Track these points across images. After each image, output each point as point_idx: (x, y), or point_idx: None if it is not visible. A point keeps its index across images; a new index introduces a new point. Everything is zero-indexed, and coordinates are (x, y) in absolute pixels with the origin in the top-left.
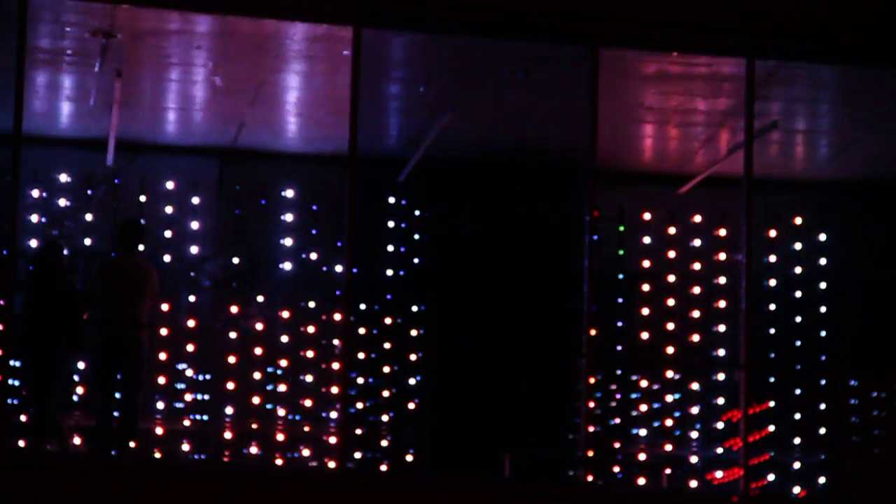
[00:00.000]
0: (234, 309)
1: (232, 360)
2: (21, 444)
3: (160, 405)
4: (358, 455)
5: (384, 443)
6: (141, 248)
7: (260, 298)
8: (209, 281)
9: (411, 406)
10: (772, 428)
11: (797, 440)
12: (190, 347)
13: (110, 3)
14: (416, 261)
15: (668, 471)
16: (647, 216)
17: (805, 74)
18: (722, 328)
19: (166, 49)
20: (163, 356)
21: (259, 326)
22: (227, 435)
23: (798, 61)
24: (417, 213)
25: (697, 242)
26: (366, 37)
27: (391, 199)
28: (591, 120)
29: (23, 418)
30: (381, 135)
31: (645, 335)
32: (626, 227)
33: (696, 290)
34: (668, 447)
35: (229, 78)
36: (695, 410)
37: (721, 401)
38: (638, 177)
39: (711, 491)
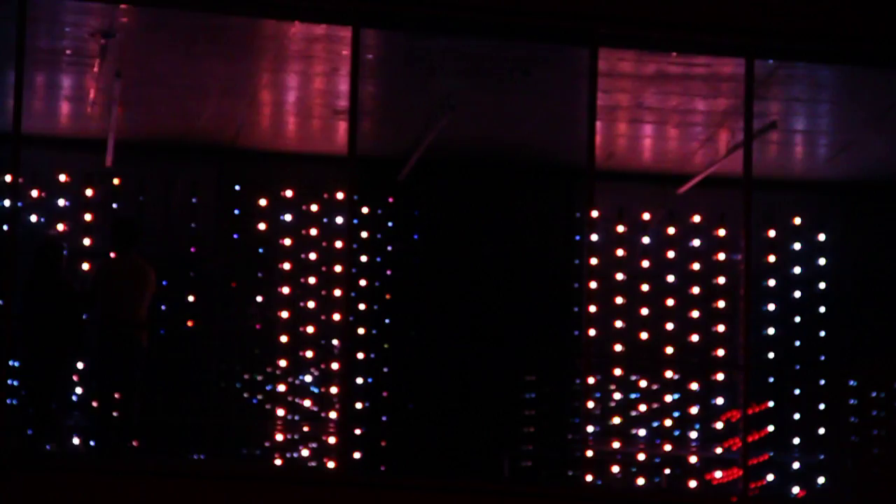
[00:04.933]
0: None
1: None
2: (21, 444)
3: (161, 405)
4: (357, 455)
5: (383, 443)
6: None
7: (260, 298)
8: (209, 281)
9: (410, 406)
10: (771, 428)
11: (797, 440)
12: (190, 347)
13: (110, 3)
14: (415, 261)
15: (667, 471)
16: (646, 216)
17: (804, 74)
18: (721, 328)
19: (166, 49)
20: (161, 356)
21: (258, 326)
22: (227, 435)
23: (797, 61)
24: (417, 213)
25: (697, 242)
26: (366, 37)
27: (391, 200)
28: (590, 120)
29: (22, 418)
30: (381, 135)
31: (645, 335)
32: (625, 227)
33: (696, 290)
34: (668, 447)
35: (229, 78)
36: (694, 410)
37: (720, 401)
38: (638, 177)
39: (711, 491)
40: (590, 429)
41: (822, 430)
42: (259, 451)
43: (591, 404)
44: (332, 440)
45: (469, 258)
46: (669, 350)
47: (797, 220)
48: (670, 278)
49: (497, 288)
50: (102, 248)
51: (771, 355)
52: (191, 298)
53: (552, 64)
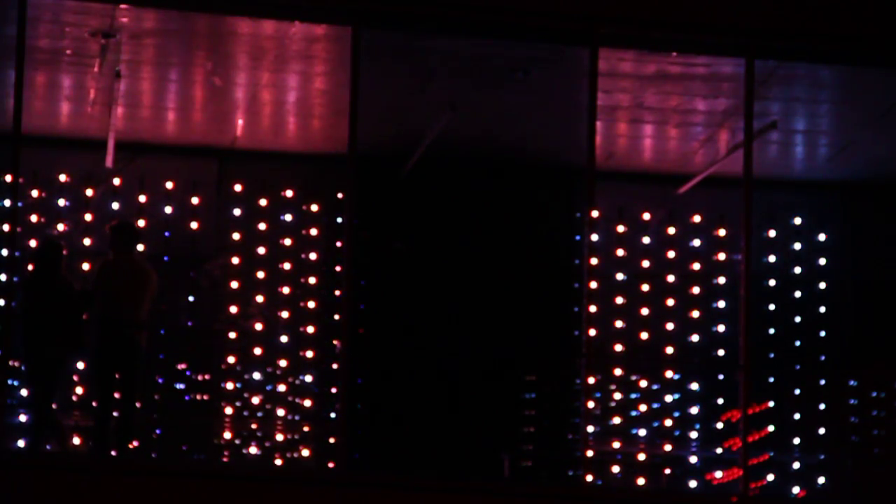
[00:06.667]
0: (233, 309)
1: (231, 360)
2: (21, 444)
3: (160, 405)
4: (358, 455)
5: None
6: (140, 248)
7: (260, 298)
8: (209, 281)
9: (410, 406)
10: (771, 428)
11: (797, 440)
12: (189, 347)
13: (110, 3)
14: (415, 260)
15: (667, 471)
16: (646, 216)
17: (804, 74)
18: (722, 328)
19: (166, 49)
20: (161, 356)
21: (259, 326)
22: (227, 435)
23: (798, 61)
24: (417, 213)
25: (697, 242)
26: (366, 37)
27: (390, 200)
28: (590, 120)
29: (23, 418)
30: (380, 135)
31: (645, 335)
32: (625, 227)
33: (696, 290)
34: (668, 447)
35: (229, 78)
36: (694, 410)
37: (721, 401)
38: (638, 177)
39: (711, 491)
40: (590, 429)
41: (822, 430)
42: (259, 451)
43: (591, 404)
44: (331, 440)
45: (469, 258)
46: (669, 350)
47: (797, 220)
48: (670, 278)
49: (497, 287)
50: (102, 248)
51: (771, 355)
52: (191, 298)
53: (552, 64)
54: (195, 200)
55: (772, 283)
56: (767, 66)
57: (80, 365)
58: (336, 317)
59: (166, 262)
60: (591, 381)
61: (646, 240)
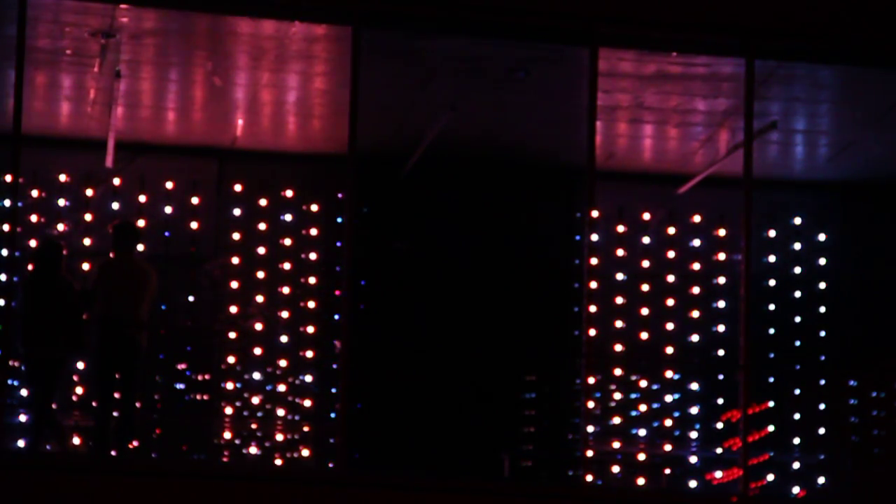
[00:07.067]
0: (233, 309)
1: (231, 360)
2: (21, 444)
3: (160, 406)
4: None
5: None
6: (140, 248)
7: (260, 298)
8: (209, 281)
9: (410, 406)
10: (771, 428)
11: (797, 440)
12: (189, 347)
13: (110, 3)
14: (415, 260)
15: (667, 471)
16: (646, 216)
17: (804, 74)
18: (722, 328)
19: (166, 49)
20: (161, 356)
21: (259, 326)
22: (227, 435)
23: (798, 61)
24: (417, 213)
25: (697, 242)
26: (366, 37)
27: (390, 200)
28: (590, 120)
29: (23, 418)
30: (380, 135)
31: (645, 335)
32: (625, 227)
33: (696, 290)
34: (668, 447)
35: (229, 78)
36: (694, 410)
37: (721, 401)
38: (638, 177)
39: (711, 491)
40: (590, 429)
41: (822, 430)
42: (259, 451)
43: (591, 404)
44: (331, 440)
45: (469, 258)
46: (669, 350)
47: (797, 220)
48: (670, 278)
49: (497, 287)
50: (102, 248)
51: (771, 355)
52: (191, 298)
53: (552, 64)
54: (195, 200)
55: (772, 283)
56: (767, 66)
57: (80, 365)
58: (336, 317)
59: (166, 262)
60: (591, 381)
61: (646, 240)
